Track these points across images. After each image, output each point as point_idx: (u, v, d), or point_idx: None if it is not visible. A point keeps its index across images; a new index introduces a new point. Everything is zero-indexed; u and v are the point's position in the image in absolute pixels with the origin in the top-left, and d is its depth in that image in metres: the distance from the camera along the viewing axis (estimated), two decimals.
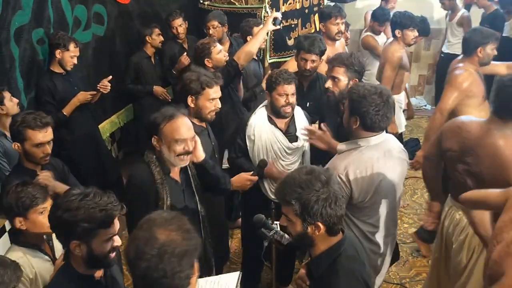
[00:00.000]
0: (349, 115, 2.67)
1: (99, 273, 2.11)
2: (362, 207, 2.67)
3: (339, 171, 2.59)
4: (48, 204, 2.47)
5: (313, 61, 3.78)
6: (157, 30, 5.14)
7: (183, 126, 2.60)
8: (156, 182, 2.59)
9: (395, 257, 3.52)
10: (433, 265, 3.34)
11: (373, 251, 2.76)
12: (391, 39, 4.94)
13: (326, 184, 1.93)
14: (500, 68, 4.14)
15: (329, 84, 3.31)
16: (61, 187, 2.92)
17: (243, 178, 3.17)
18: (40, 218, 2.45)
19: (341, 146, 2.74)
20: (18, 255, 2.42)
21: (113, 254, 2.04)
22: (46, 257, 2.53)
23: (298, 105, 3.53)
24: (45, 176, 2.94)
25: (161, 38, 5.18)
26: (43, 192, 2.49)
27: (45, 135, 2.92)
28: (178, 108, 2.70)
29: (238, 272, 2.53)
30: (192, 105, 3.14)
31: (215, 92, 3.15)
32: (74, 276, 2.04)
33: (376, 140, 2.65)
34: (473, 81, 3.78)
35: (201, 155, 2.72)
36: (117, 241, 2.05)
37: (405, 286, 4.03)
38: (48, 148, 2.95)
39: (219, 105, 3.20)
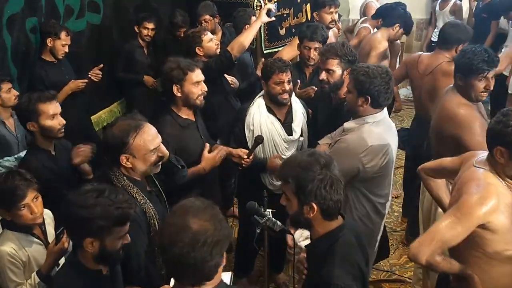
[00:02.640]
0: (357, 95, 2.77)
1: (106, 268, 2.14)
2: (374, 178, 2.81)
3: (352, 147, 2.73)
4: (29, 198, 2.43)
5: (316, 48, 3.81)
6: (146, 23, 5.05)
7: (152, 133, 2.44)
8: (141, 203, 2.41)
9: (385, 252, 3.60)
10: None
11: (378, 223, 2.95)
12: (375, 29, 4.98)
13: (325, 167, 1.99)
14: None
15: (323, 76, 3.32)
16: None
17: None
18: (22, 212, 2.44)
19: (348, 124, 2.85)
20: (11, 239, 2.47)
21: (121, 251, 2.06)
22: (38, 240, 2.56)
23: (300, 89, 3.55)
24: (88, 148, 3.07)
25: (149, 31, 5.08)
26: (24, 188, 2.42)
27: (56, 106, 3.01)
28: (132, 116, 2.51)
29: (229, 273, 2.55)
30: (179, 94, 3.08)
31: (197, 75, 3.09)
32: (82, 271, 2.06)
33: (380, 116, 2.81)
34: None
35: (167, 152, 2.61)
36: (127, 238, 2.07)
37: (395, 273, 4.10)
38: (62, 119, 3.02)
39: (205, 88, 3.14)
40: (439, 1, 7.00)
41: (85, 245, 1.98)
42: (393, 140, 2.87)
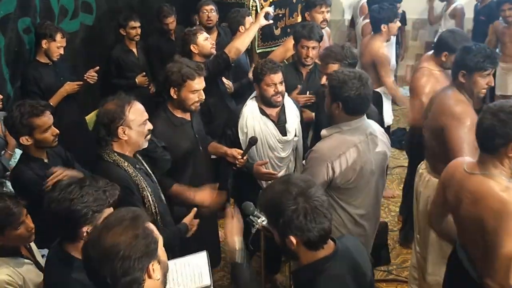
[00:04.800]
0: (331, 101, 2.72)
1: None
2: (346, 188, 2.73)
3: (322, 155, 2.67)
4: (24, 213, 2.36)
5: (314, 47, 3.81)
6: (132, 23, 4.99)
7: (141, 107, 2.61)
8: (132, 176, 2.54)
9: (386, 260, 3.57)
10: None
11: (359, 234, 2.82)
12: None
13: (299, 196, 1.79)
14: None
15: (324, 80, 3.27)
16: (76, 175, 2.86)
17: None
18: (20, 231, 2.35)
19: (324, 132, 2.80)
20: (3, 266, 2.34)
21: None
22: (28, 260, 2.47)
23: (298, 94, 3.57)
24: (58, 174, 2.84)
25: (137, 30, 5.01)
26: (17, 205, 2.35)
27: (49, 117, 2.95)
28: (118, 95, 2.61)
29: (204, 252, 2.52)
30: (174, 97, 3.08)
31: (198, 83, 3.07)
32: (77, 265, 2.00)
33: (357, 124, 2.72)
34: (435, 82, 3.75)
35: (151, 126, 2.68)
36: None
37: (392, 273, 4.09)
38: (55, 129, 2.97)
39: (203, 96, 3.13)
40: (445, 3, 6.99)
41: (81, 235, 2.00)
42: (374, 149, 2.77)
